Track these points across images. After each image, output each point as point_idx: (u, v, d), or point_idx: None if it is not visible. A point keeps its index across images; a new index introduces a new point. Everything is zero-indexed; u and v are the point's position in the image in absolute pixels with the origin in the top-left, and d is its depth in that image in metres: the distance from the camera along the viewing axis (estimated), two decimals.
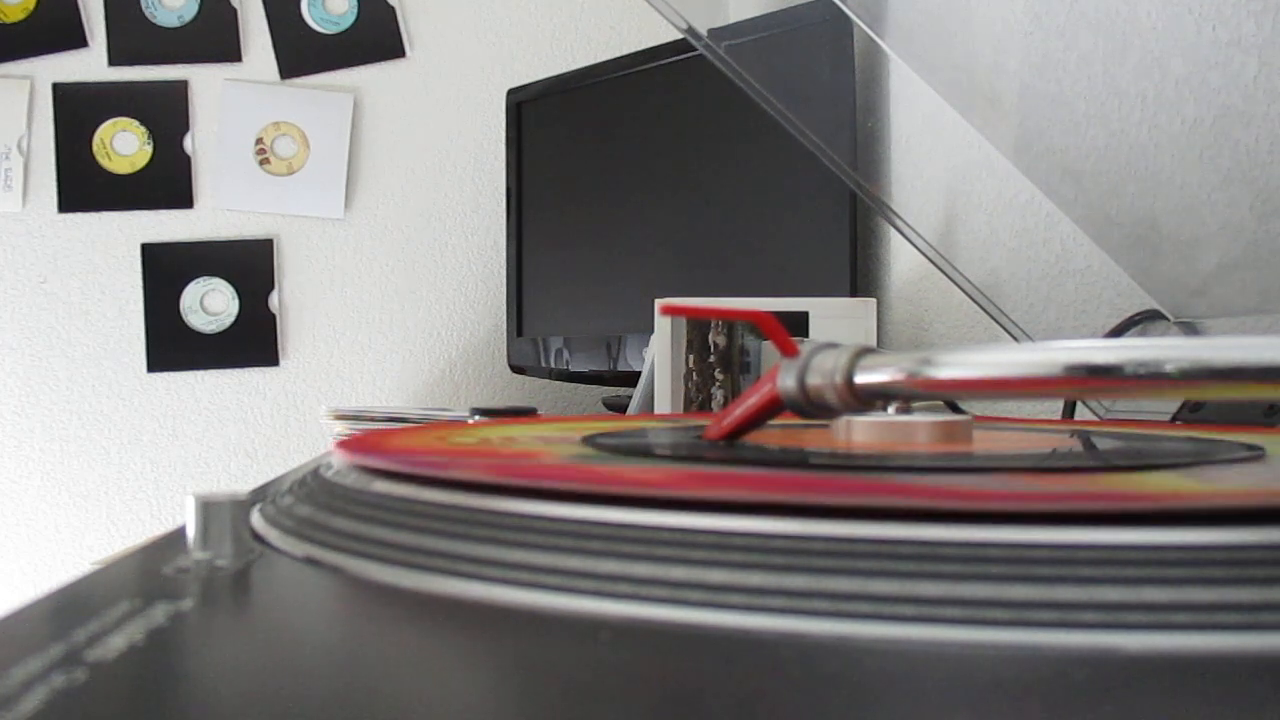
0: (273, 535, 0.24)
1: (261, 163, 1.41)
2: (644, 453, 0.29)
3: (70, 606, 0.18)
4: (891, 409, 0.33)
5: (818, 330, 0.71)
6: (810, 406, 0.30)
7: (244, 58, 1.41)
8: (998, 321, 0.70)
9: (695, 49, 0.64)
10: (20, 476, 1.38)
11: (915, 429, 0.32)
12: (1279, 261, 0.54)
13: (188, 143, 1.40)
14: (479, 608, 0.18)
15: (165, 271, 1.40)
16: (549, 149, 1.29)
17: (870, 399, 0.29)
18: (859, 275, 0.98)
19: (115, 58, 1.39)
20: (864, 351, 0.29)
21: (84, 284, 1.39)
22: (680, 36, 0.64)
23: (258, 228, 1.42)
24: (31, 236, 1.39)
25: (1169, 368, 0.22)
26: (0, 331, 1.38)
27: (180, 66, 1.40)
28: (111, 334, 1.39)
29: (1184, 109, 0.54)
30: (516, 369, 1.33)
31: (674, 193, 1.12)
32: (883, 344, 0.98)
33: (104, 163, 1.39)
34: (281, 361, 1.42)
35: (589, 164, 1.23)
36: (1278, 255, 0.54)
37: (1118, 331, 0.65)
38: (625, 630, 0.17)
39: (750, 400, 0.32)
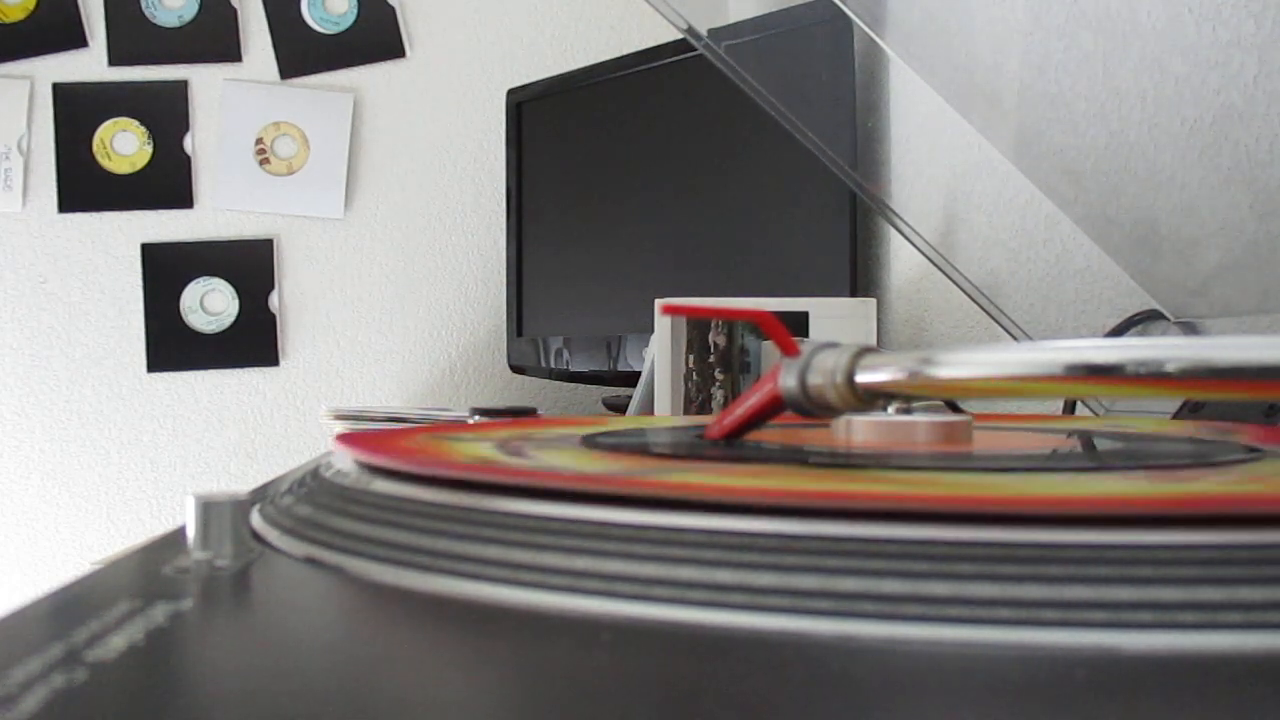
0: (273, 535, 0.24)
1: (261, 163, 1.41)
2: (643, 451, 0.29)
3: (70, 606, 0.18)
4: (892, 409, 0.34)
5: (818, 330, 0.71)
6: (811, 406, 0.30)
7: (244, 58, 1.41)
8: (998, 321, 0.70)
9: (695, 49, 0.64)
10: (20, 476, 1.38)
11: (915, 429, 0.32)
12: (1279, 261, 0.54)
13: (188, 143, 1.40)
14: (479, 608, 0.18)
15: (165, 271, 1.40)
16: (549, 149, 1.29)
17: (871, 398, 0.29)
18: (859, 275, 0.98)
19: (115, 58, 1.38)
20: (865, 351, 0.29)
21: (84, 284, 1.39)
22: (680, 36, 0.64)
23: (258, 228, 1.42)
24: (31, 236, 1.39)
25: (1169, 367, 0.22)
26: (0, 331, 1.38)
27: (180, 66, 1.40)
28: (111, 334, 1.39)
29: (1184, 109, 0.54)
30: (516, 369, 1.33)
31: (674, 193, 1.12)
32: (883, 344, 0.98)
33: (104, 163, 1.39)
34: (281, 361, 1.42)
35: (589, 164, 1.23)
36: (1278, 255, 0.54)
37: (1118, 331, 0.64)
38: (626, 630, 0.17)
39: (751, 400, 0.32)
